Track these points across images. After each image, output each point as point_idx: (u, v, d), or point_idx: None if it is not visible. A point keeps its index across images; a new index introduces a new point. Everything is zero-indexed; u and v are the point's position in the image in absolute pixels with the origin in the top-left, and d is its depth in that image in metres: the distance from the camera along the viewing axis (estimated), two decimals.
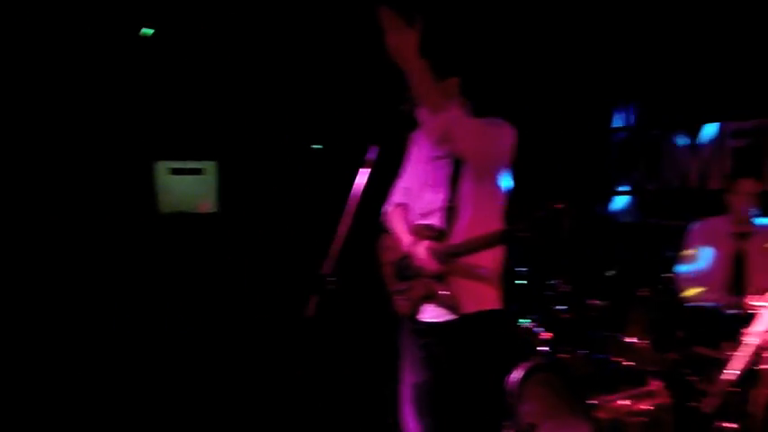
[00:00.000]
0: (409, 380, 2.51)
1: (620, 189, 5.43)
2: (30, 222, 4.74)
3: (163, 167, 5.38)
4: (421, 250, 2.38)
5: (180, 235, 5.30)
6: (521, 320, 3.81)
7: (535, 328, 3.74)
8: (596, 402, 3.11)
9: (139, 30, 4.80)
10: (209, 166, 5.54)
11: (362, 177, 2.29)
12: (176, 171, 5.43)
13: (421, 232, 2.44)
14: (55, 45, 4.69)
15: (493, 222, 2.38)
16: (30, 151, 4.78)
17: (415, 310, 2.46)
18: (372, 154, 2.34)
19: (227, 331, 4.92)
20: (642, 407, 3.16)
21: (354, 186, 2.29)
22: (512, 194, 2.47)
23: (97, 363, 4.48)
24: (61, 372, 4.34)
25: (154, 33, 4.79)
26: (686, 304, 3.61)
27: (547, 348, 3.65)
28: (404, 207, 2.60)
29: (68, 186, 4.88)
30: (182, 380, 4.38)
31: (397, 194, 2.65)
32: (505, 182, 2.45)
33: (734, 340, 3.04)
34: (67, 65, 4.79)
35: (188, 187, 5.49)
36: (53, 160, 4.84)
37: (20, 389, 4.06)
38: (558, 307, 3.78)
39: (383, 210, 2.69)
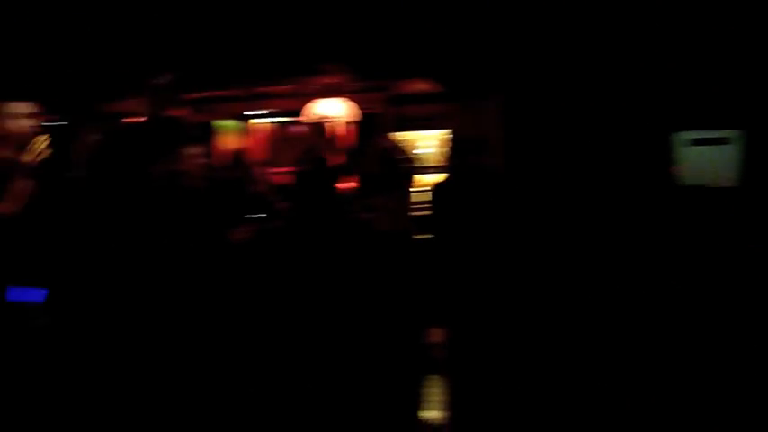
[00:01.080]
0: None
1: None
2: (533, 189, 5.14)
3: (682, 138, 5.13)
4: None
5: (698, 211, 4.97)
6: None
7: None
8: None
9: None
10: (733, 135, 5.04)
11: None
12: (697, 141, 5.13)
13: None
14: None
15: None
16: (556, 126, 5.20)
17: None
18: None
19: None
20: None
21: None
22: None
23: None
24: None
25: None
26: None
27: None
28: None
29: (589, 157, 5.12)
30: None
31: None
32: None
33: None
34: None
35: (709, 159, 5.12)
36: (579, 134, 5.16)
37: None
38: None
39: None
